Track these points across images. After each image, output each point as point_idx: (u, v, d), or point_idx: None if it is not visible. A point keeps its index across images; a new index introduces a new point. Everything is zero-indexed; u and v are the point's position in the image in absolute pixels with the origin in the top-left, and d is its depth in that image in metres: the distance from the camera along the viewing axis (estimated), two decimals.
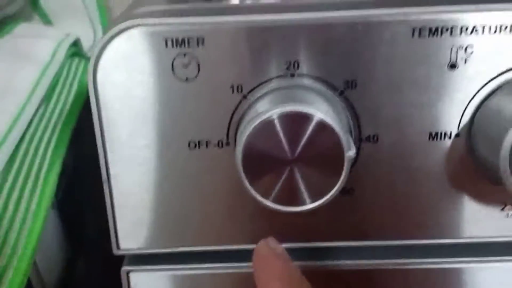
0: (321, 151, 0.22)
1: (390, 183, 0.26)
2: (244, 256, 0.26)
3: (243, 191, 0.23)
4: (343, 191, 0.26)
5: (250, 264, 0.24)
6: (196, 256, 0.28)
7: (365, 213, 0.27)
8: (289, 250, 0.27)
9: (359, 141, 0.25)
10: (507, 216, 0.27)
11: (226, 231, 0.27)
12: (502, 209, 0.27)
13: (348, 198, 0.26)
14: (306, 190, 0.22)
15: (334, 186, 0.23)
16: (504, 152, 0.23)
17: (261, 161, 0.22)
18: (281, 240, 0.27)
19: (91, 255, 0.34)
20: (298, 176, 0.22)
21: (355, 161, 0.26)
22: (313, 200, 0.23)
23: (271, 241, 0.25)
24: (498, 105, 0.25)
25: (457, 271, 0.28)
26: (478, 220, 0.27)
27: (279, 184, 0.22)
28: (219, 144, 0.25)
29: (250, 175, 0.22)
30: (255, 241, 0.25)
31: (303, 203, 0.23)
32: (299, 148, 0.22)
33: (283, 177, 0.22)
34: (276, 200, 0.23)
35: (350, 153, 0.22)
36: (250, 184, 0.22)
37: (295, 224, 0.27)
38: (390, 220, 0.27)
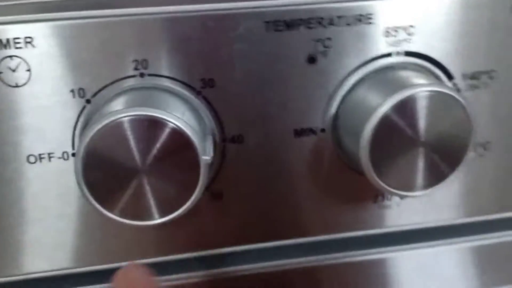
0: (175, 159, 0.21)
1: (259, 183, 0.25)
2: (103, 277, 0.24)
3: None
4: (212, 196, 0.25)
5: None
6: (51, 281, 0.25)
7: (237, 216, 0.26)
8: (160, 264, 0.25)
9: (223, 142, 0.24)
10: (380, 207, 0.27)
11: (81, 251, 0.24)
12: (375, 201, 0.27)
13: (218, 203, 0.25)
14: (159, 201, 0.21)
15: (191, 195, 0.21)
16: (364, 142, 0.22)
17: (106, 171, 0.20)
18: (147, 255, 0.25)
19: None
20: (149, 186, 0.20)
21: (221, 163, 0.24)
22: (168, 212, 0.21)
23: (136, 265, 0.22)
24: (359, 98, 0.24)
25: (340, 267, 0.28)
26: (352, 213, 0.27)
27: (127, 196, 0.20)
28: (64, 156, 0.22)
29: (92, 186, 0.20)
30: (116, 260, 0.22)
31: (155, 215, 0.21)
32: (150, 156, 0.20)
33: (132, 187, 0.20)
34: (124, 214, 0.20)
35: (206, 158, 0.21)
36: (92, 195, 0.20)
37: (165, 235, 0.25)
38: (263, 221, 0.26)
